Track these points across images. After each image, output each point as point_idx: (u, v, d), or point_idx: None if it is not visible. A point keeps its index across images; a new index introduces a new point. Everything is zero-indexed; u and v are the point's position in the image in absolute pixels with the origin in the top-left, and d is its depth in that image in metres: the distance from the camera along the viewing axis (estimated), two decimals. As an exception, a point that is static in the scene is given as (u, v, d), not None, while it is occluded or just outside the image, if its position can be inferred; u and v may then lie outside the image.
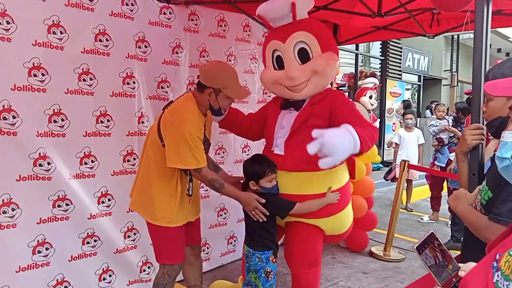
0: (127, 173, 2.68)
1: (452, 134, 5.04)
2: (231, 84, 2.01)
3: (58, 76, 2.31)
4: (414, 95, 11.81)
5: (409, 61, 10.71)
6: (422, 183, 6.31)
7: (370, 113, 5.44)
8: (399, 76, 10.34)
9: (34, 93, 2.23)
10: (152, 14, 2.75)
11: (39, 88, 2.25)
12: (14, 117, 2.16)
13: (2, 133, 2.13)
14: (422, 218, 5.29)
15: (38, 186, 2.27)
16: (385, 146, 9.22)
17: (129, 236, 2.72)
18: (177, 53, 2.91)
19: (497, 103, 1.33)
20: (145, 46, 2.72)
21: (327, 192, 2.15)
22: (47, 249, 2.34)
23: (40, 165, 2.27)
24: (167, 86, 2.88)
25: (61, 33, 2.31)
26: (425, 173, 5.56)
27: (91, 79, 2.45)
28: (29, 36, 2.19)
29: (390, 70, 9.80)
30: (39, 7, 2.22)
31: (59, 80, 2.32)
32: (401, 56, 10.25)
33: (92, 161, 2.50)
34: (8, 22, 2.11)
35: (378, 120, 6.37)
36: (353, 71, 8.79)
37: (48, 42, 2.26)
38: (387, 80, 9.53)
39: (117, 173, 2.63)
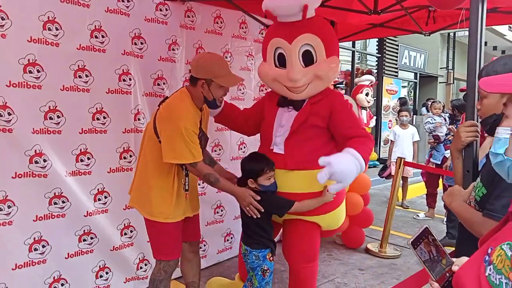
0: (123, 170, 2.67)
1: (447, 131, 5.07)
2: (222, 73, 2.01)
3: (53, 73, 2.30)
4: (410, 92, 11.85)
5: (406, 58, 10.74)
6: (418, 180, 6.35)
7: (367, 110, 5.46)
8: (395, 74, 10.37)
9: (29, 90, 2.22)
10: (148, 11, 2.74)
11: (35, 85, 2.24)
12: (9, 114, 2.15)
13: (-2, 130, 2.12)
14: (418, 215, 5.33)
15: (34, 183, 2.26)
16: (381, 144, 9.26)
17: (125, 234, 2.72)
18: (173, 50, 2.90)
19: (491, 100, 1.34)
20: (141, 43, 2.71)
21: (324, 191, 2.16)
22: (43, 246, 2.34)
23: (36, 162, 2.26)
24: (163, 83, 2.87)
25: (57, 29, 2.29)
26: (420, 170, 5.58)
27: (87, 75, 2.44)
28: (24, 32, 2.18)
29: (386, 68, 9.82)
30: (34, 3, 2.21)
31: (54, 77, 2.30)
32: (397, 53, 10.28)
33: (88, 158, 2.50)
34: (3, 18, 2.09)
35: (375, 117, 6.37)
36: (350, 69, 8.81)
37: (43, 38, 2.24)
38: (384, 77, 9.56)
39: (113, 170, 2.63)
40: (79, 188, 2.45)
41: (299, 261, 2.26)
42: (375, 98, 8.31)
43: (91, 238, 2.54)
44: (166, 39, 2.86)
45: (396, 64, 10.32)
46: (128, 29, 2.63)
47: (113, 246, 2.66)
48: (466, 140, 1.47)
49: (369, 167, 4.91)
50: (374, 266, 3.54)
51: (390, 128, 9.31)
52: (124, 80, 2.63)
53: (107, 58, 2.53)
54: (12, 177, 2.20)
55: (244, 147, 3.47)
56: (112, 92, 2.58)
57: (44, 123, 2.29)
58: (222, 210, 3.36)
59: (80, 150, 2.46)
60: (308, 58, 2.14)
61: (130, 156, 2.70)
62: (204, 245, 3.25)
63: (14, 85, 2.16)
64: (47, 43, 2.26)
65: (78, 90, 2.42)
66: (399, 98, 9.68)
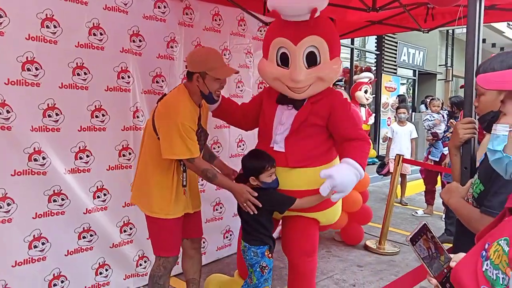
0: (122, 167, 2.68)
1: (446, 128, 5.08)
2: (216, 65, 2.00)
3: (52, 71, 2.29)
4: (409, 89, 11.86)
5: (404, 55, 10.73)
6: (417, 177, 6.36)
7: (365, 107, 5.47)
8: (394, 71, 10.36)
9: (28, 88, 2.22)
10: (147, 8, 2.73)
11: (33, 83, 2.24)
12: (8, 112, 2.15)
13: (-4, 128, 2.12)
14: (416, 212, 5.34)
15: (33, 181, 2.27)
16: (380, 141, 9.27)
17: (125, 231, 2.73)
18: (171, 47, 2.90)
19: (488, 97, 1.34)
20: (140, 40, 2.70)
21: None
22: (43, 243, 2.34)
23: (35, 160, 2.26)
24: (162, 81, 2.87)
25: (55, 27, 2.29)
26: (418, 167, 5.60)
27: (85, 73, 2.44)
28: (22, 30, 2.18)
29: (385, 65, 9.82)
30: (32, 0, 2.20)
31: (53, 75, 2.30)
32: (396, 50, 10.27)
33: (87, 156, 2.50)
34: (0, 16, 2.09)
35: (373, 114, 6.38)
36: (348, 66, 8.80)
37: (41, 36, 2.24)
38: (382, 74, 9.55)
39: (112, 168, 2.63)
40: (78, 186, 2.46)
41: (299, 255, 2.29)
42: (374, 95, 8.33)
43: (91, 235, 2.55)
44: (165, 36, 2.85)
45: (395, 61, 10.31)
46: (126, 26, 2.63)
47: (113, 243, 2.67)
48: (464, 137, 1.47)
49: (368, 165, 4.91)
50: (372, 262, 3.56)
51: (389, 125, 9.33)
52: (122, 78, 2.63)
53: (106, 55, 2.52)
54: (11, 175, 2.20)
55: (243, 145, 3.47)
56: (110, 89, 2.58)
57: (43, 121, 2.29)
58: (221, 207, 3.36)
59: (79, 147, 2.46)
60: (311, 59, 2.13)
61: (129, 153, 2.70)
62: (204, 242, 3.26)
63: (13, 83, 2.16)
64: (45, 40, 2.26)
65: (77, 87, 2.42)
66: (398, 95, 9.68)
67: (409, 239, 0.90)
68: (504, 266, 0.71)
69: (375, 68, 9.58)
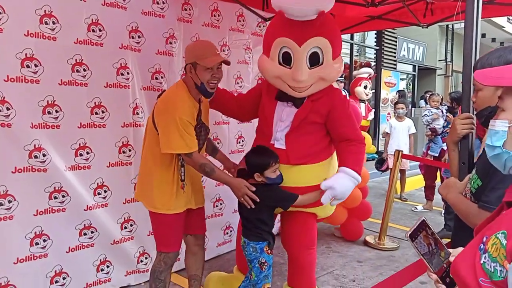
0: (122, 164, 2.68)
1: (445, 124, 5.08)
2: (205, 54, 1.99)
3: (51, 67, 2.29)
4: (409, 85, 11.84)
5: (404, 50, 10.70)
6: (416, 173, 6.37)
7: (365, 103, 5.46)
8: (394, 66, 10.34)
9: (27, 85, 2.22)
10: (145, 4, 2.72)
11: (32, 79, 2.24)
12: (8, 109, 2.15)
13: (-4, 125, 2.13)
14: (416, 208, 5.36)
15: (34, 178, 2.28)
16: (380, 136, 9.27)
17: (125, 227, 2.74)
18: (170, 43, 2.89)
19: (486, 92, 1.34)
20: (139, 37, 2.70)
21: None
22: (44, 240, 2.35)
23: (36, 156, 2.27)
24: (161, 77, 2.87)
25: (54, 23, 2.29)
26: (417, 162, 5.60)
27: (84, 70, 2.44)
28: (21, 26, 2.17)
29: (385, 60, 9.79)
30: (31, -3, 2.20)
31: (52, 71, 2.30)
32: (396, 46, 10.24)
33: (88, 153, 2.51)
34: (-1, 13, 2.09)
35: (373, 110, 6.37)
36: (348, 61, 8.78)
37: (40, 32, 2.24)
38: (382, 70, 9.54)
39: (112, 165, 2.64)
40: (79, 183, 2.47)
41: (299, 248, 2.34)
42: (373, 91, 8.31)
43: (92, 232, 2.56)
44: (164, 32, 2.85)
45: (395, 57, 10.29)
46: (125, 22, 2.62)
47: (114, 240, 2.68)
48: (462, 132, 1.48)
49: (367, 160, 4.92)
50: (372, 258, 3.57)
51: (388, 121, 9.33)
52: (122, 74, 2.62)
53: (105, 52, 2.52)
54: (12, 172, 2.21)
55: (243, 141, 3.48)
56: (110, 86, 2.58)
57: (42, 118, 2.29)
58: (221, 204, 3.38)
59: (79, 144, 2.46)
60: (314, 59, 2.12)
61: (129, 150, 2.71)
62: (204, 239, 3.27)
63: (12, 79, 2.16)
64: (44, 37, 2.26)
65: (76, 84, 2.42)
66: (398, 91, 9.67)
67: (408, 235, 0.91)
68: (502, 259, 0.72)
69: (374, 63, 9.56)
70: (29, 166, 2.26)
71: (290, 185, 2.19)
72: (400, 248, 3.80)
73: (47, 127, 2.32)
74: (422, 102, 9.74)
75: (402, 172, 5.81)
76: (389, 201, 3.90)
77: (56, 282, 2.43)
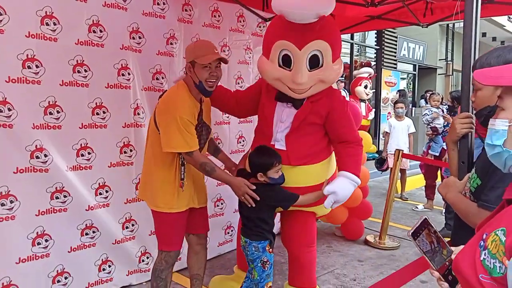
0: (124, 164, 2.69)
1: (446, 123, 5.09)
2: (202, 53, 2.01)
3: (52, 68, 2.30)
4: (410, 84, 11.84)
5: (404, 50, 10.70)
6: (417, 172, 6.37)
7: (365, 103, 5.47)
8: (394, 66, 10.34)
9: (28, 85, 2.23)
10: (146, 5, 2.73)
11: (34, 80, 2.25)
12: (9, 110, 2.16)
13: (-2, 125, 2.14)
14: (416, 207, 5.36)
15: (35, 178, 2.29)
16: (381, 136, 9.27)
17: (127, 227, 2.75)
18: (171, 44, 2.90)
19: (485, 92, 1.35)
20: (139, 37, 2.71)
21: (324, 184, 2.23)
22: (46, 240, 2.36)
23: (37, 157, 2.28)
24: (162, 77, 2.88)
25: (55, 24, 2.30)
26: (417, 162, 5.60)
27: (85, 70, 2.45)
28: (22, 27, 2.18)
29: (385, 60, 9.80)
30: (32, -2, 2.21)
31: (53, 72, 2.31)
32: (396, 45, 10.24)
33: (89, 153, 2.52)
34: (0, 14, 2.10)
35: (373, 110, 6.37)
36: (348, 61, 8.78)
37: (41, 33, 2.25)
38: (382, 69, 9.54)
39: (114, 165, 2.65)
40: (80, 183, 2.48)
41: (299, 247, 2.37)
42: (374, 91, 8.31)
43: (93, 232, 2.57)
44: (164, 33, 2.86)
45: (395, 56, 10.29)
46: (126, 23, 2.63)
47: (115, 240, 2.69)
48: (461, 131, 1.48)
49: (367, 160, 4.92)
50: (373, 257, 3.58)
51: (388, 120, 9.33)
52: (123, 75, 2.63)
53: (106, 52, 2.53)
54: (14, 172, 2.22)
55: (243, 141, 3.48)
56: (111, 87, 2.59)
57: (44, 118, 2.30)
58: (222, 203, 3.39)
59: (81, 145, 2.48)
60: (314, 62, 2.13)
61: (130, 150, 2.72)
62: (206, 238, 3.28)
63: (13, 80, 2.17)
64: (45, 38, 2.27)
65: (77, 85, 2.43)
66: (399, 90, 9.67)
67: (410, 233, 0.92)
68: (501, 255, 0.73)
69: (375, 63, 9.56)
70: (31, 167, 2.27)
71: (291, 186, 2.21)
72: (401, 247, 3.81)
73: (49, 127, 2.33)
74: (422, 102, 9.74)
75: (403, 171, 5.82)
76: (390, 200, 3.91)
77: (58, 281, 2.44)
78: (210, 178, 2.15)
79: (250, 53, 3.48)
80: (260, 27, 3.54)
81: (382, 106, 9.47)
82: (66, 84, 2.38)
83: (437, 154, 5.13)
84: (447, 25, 11.96)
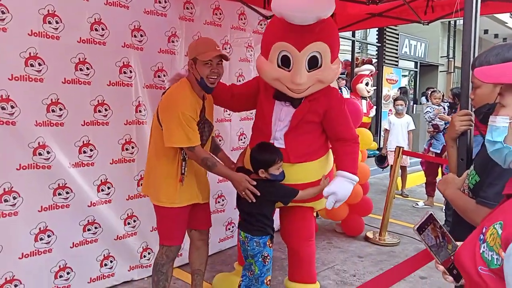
0: (125, 161, 2.72)
1: (447, 121, 5.09)
2: (204, 49, 2.04)
3: (54, 66, 2.32)
4: (411, 81, 11.82)
5: (406, 47, 10.68)
6: (418, 169, 6.38)
7: (367, 100, 5.47)
8: (396, 63, 10.33)
9: (31, 83, 2.25)
10: (147, 3, 2.74)
11: (36, 78, 2.26)
12: (12, 107, 2.18)
13: (1, 123, 2.16)
14: (417, 204, 5.37)
15: (38, 174, 2.31)
16: (382, 133, 9.27)
17: (129, 223, 2.78)
18: (173, 42, 2.91)
19: (484, 90, 1.36)
20: (141, 35, 2.72)
21: (322, 179, 2.30)
22: (49, 236, 2.39)
23: (40, 154, 2.30)
24: (164, 75, 2.89)
25: (57, 22, 2.31)
26: (418, 159, 5.61)
27: (87, 68, 2.47)
28: (24, 26, 2.20)
29: (386, 57, 9.78)
30: (34, -4, 2.22)
31: (56, 70, 2.33)
32: (397, 42, 10.22)
33: (91, 150, 2.54)
34: (3, 12, 2.11)
35: (375, 107, 6.37)
36: (350, 58, 8.77)
37: (44, 32, 2.26)
38: (384, 66, 9.52)
39: (116, 162, 2.67)
40: (83, 179, 2.50)
41: (299, 241, 2.41)
42: (375, 88, 8.31)
43: (95, 227, 2.60)
44: (166, 31, 2.87)
45: (397, 53, 10.27)
46: (127, 21, 2.64)
47: (117, 236, 2.71)
48: (460, 129, 1.49)
49: (368, 157, 4.94)
50: (373, 253, 3.60)
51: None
52: (124, 73, 2.65)
53: (108, 50, 2.55)
54: (17, 169, 2.24)
55: (244, 138, 3.50)
56: (113, 84, 2.60)
57: (46, 116, 2.32)
58: (223, 200, 3.41)
59: (83, 142, 2.50)
60: (313, 63, 2.14)
61: (132, 147, 2.74)
62: (208, 234, 3.30)
63: (16, 78, 2.19)
64: (47, 36, 2.28)
65: (80, 83, 2.45)
66: (400, 88, 9.66)
67: (416, 228, 0.94)
68: (498, 247, 0.76)
69: (376, 60, 9.55)
70: (34, 163, 2.29)
71: (291, 182, 2.25)
72: (401, 243, 3.83)
73: (51, 125, 2.35)
74: (423, 99, 9.73)
75: (403, 168, 5.82)
76: (390, 197, 3.92)
77: (61, 277, 2.47)
78: (211, 174, 2.17)
79: (251, 50, 3.49)
80: (261, 25, 3.54)
81: (383, 103, 9.46)
82: (69, 81, 2.40)
83: (439, 151, 5.14)
84: (449, 22, 11.93)
